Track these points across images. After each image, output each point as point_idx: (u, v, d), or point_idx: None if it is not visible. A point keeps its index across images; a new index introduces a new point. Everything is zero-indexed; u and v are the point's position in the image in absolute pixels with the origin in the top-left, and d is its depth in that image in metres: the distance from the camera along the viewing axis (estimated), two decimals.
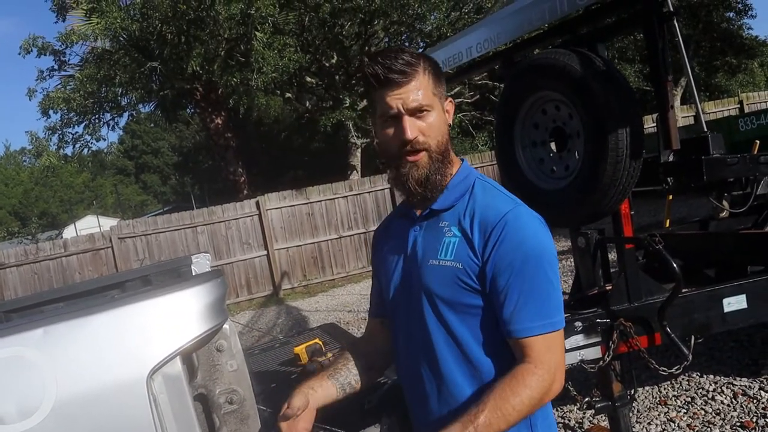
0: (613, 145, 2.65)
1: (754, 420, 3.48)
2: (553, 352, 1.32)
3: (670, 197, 5.92)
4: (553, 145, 3.13)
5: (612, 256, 3.32)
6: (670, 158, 3.02)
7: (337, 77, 15.64)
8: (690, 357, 2.85)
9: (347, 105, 14.78)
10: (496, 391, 1.28)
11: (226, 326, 1.47)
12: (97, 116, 15.80)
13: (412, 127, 1.38)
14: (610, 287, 3.06)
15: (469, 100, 17.56)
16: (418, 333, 1.45)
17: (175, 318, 1.31)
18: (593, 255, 3.12)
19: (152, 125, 40.65)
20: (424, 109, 1.39)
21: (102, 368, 1.25)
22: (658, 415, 3.79)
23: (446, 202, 1.44)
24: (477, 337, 1.38)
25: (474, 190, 1.43)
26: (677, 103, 16.31)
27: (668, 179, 3.08)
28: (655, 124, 3.19)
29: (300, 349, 2.18)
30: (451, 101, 1.48)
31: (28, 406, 1.22)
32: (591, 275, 3.13)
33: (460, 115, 16.91)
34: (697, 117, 3.99)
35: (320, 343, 2.20)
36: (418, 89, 1.38)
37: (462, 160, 1.53)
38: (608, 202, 2.80)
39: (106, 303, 1.30)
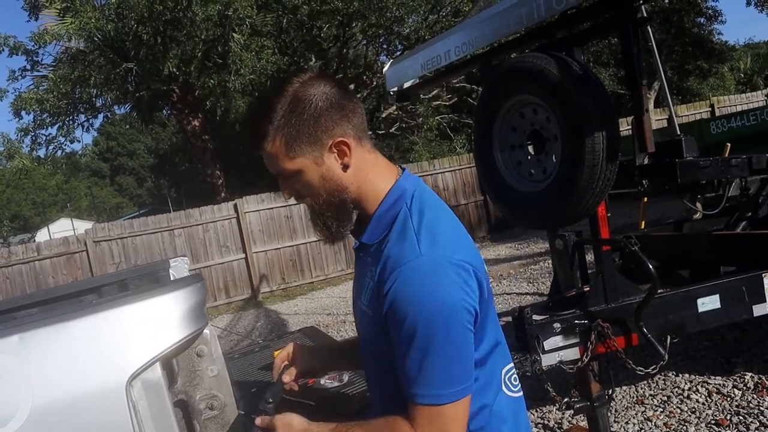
0: (590, 148, 2.68)
1: (728, 417, 3.55)
2: (435, 426, 1.13)
3: (645, 199, 6.00)
4: (531, 148, 3.15)
5: (589, 257, 3.36)
6: (646, 161, 3.07)
7: None
8: (666, 357, 2.89)
9: None
10: (368, 426, 1.21)
11: (206, 331, 1.46)
12: (71, 117, 15.60)
13: (284, 188, 1.30)
14: (588, 288, 3.10)
15: (447, 103, 17.68)
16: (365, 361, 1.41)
17: (154, 323, 1.30)
18: (571, 257, 3.15)
19: (128, 127, 40.21)
20: (284, 174, 1.27)
21: (80, 375, 1.24)
22: (636, 414, 3.84)
23: (372, 237, 1.27)
24: (396, 384, 1.21)
25: (393, 227, 1.24)
26: (651, 106, 16.57)
27: (643, 182, 3.12)
28: (630, 127, 3.23)
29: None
30: (341, 141, 1.24)
31: (3, 414, 1.20)
32: (569, 277, 3.16)
33: (438, 117, 16.98)
34: (670, 120, 4.06)
35: None
36: (271, 158, 1.25)
37: (402, 169, 1.35)
38: (585, 204, 2.83)
39: (83, 308, 1.28)
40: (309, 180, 1.26)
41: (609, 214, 3.13)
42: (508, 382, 1.29)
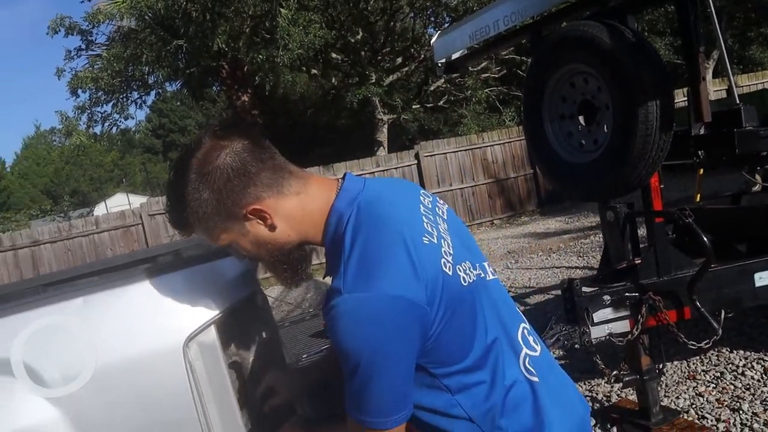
0: (642, 117, 2.61)
1: None
2: None
3: (701, 171, 5.82)
4: (581, 119, 3.09)
5: (641, 232, 3.30)
6: (702, 131, 2.98)
7: (362, 53, 15.57)
8: (720, 331, 2.83)
9: (373, 81, 14.73)
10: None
11: (258, 296, 1.51)
12: (124, 95, 15.96)
13: (236, 255, 1.30)
14: (639, 261, 3.04)
15: (496, 75, 17.39)
16: None
17: (209, 288, 1.35)
18: (622, 229, 3.09)
19: (179, 104, 40.96)
20: (221, 247, 1.27)
21: (140, 336, 1.30)
22: (687, 389, 3.78)
23: (329, 270, 1.23)
24: None
25: (342, 250, 1.18)
26: (709, 76, 15.93)
27: (699, 152, 3.03)
28: (686, 98, 3.13)
29: None
30: (255, 209, 1.18)
31: (70, 372, 1.27)
32: (620, 249, 3.10)
33: (487, 90, 16.74)
34: (729, 90, 3.89)
35: None
36: (201, 237, 1.26)
37: (341, 179, 1.28)
38: (637, 175, 2.77)
39: (142, 273, 1.33)
40: (245, 247, 1.24)
41: (662, 186, 3.06)
42: (523, 369, 1.25)
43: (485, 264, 1.34)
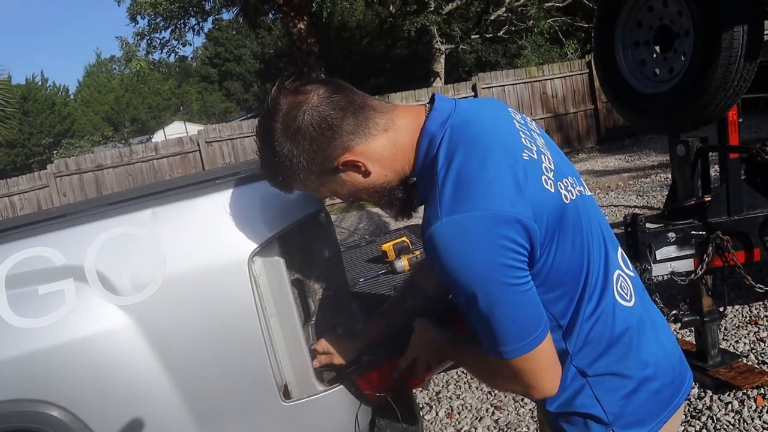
0: (726, 44, 2.44)
1: None
2: (516, 375, 1.10)
3: None
4: (657, 46, 2.92)
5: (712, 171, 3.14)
6: None
7: None
8: None
9: (432, 9, 14.29)
10: (477, 350, 1.15)
11: (321, 214, 1.50)
12: (182, 21, 16.02)
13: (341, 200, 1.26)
14: (709, 199, 2.91)
15: (561, 4, 16.61)
16: None
17: (274, 204, 1.34)
18: (693, 164, 2.95)
19: (234, 32, 40.85)
20: (324, 197, 1.28)
21: (206, 249, 1.31)
22: (748, 333, 3.68)
23: (421, 196, 1.18)
24: None
25: (435, 174, 1.11)
26: None
27: None
28: None
29: (387, 246, 2.21)
30: (346, 161, 1.14)
31: (140, 281, 1.30)
32: (689, 186, 2.97)
33: (549, 20, 16.05)
34: None
35: (407, 241, 2.22)
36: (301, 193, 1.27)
37: (429, 104, 1.20)
38: (715, 107, 2.62)
39: (209, 188, 1.34)
40: (347, 193, 1.21)
41: (740, 120, 2.89)
42: (620, 291, 1.20)
43: (581, 180, 1.27)
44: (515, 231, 1.03)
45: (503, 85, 13.16)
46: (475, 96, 12.82)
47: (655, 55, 2.93)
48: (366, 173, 1.16)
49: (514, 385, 1.13)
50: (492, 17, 16.47)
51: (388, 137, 1.16)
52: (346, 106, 1.13)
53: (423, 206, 1.15)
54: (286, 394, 1.38)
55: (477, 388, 3.43)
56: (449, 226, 1.02)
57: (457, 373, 3.58)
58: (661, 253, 2.80)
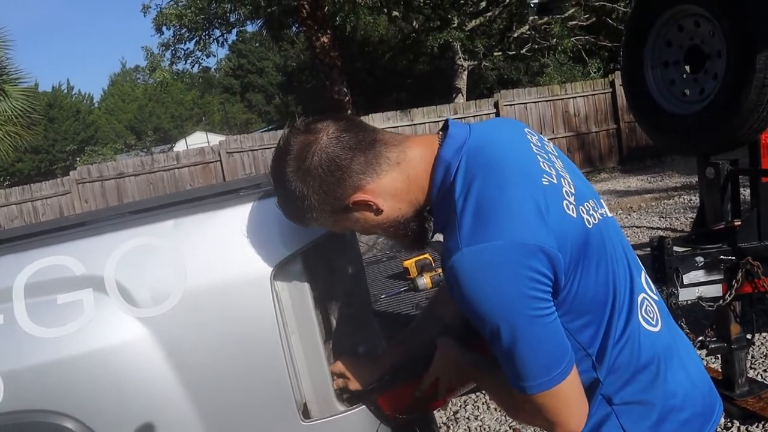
0: (761, 65, 2.39)
1: None
2: (540, 410, 1.06)
3: None
4: (687, 66, 2.87)
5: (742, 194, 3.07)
6: None
7: None
8: None
9: (455, 25, 14.30)
10: (500, 377, 1.11)
11: None
12: (207, 32, 16.20)
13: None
14: (739, 223, 2.84)
15: (584, 23, 16.54)
16: None
17: None
18: (722, 187, 2.89)
19: (257, 45, 41.28)
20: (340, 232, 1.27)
21: (228, 261, 1.29)
22: None
23: (438, 225, 1.16)
24: None
25: (452, 202, 1.08)
26: None
27: None
28: None
29: (409, 263, 2.18)
30: (357, 201, 1.12)
31: (160, 293, 1.28)
32: (718, 209, 2.91)
33: (573, 39, 15.99)
34: None
35: (430, 258, 2.19)
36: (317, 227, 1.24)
37: (442, 131, 1.17)
38: (747, 129, 2.56)
39: (233, 200, 1.31)
40: (361, 230, 1.21)
41: None
42: (645, 315, 1.16)
43: (602, 201, 1.23)
44: (539, 261, 1.00)
45: (525, 103, 13.11)
46: (497, 113, 12.78)
47: (685, 76, 2.88)
48: (378, 211, 1.14)
49: (537, 421, 1.09)
50: (515, 34, 16.45)
51: (401, 170, 1.14)
52: (356, 145, 1.11)
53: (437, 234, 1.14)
54: (306, 414, 1.34)
55: (496, 409, 3.36)
56: (470, 257, 1.00)
57: (475, 393, 3.52)
58: (688, 278, 2.73)
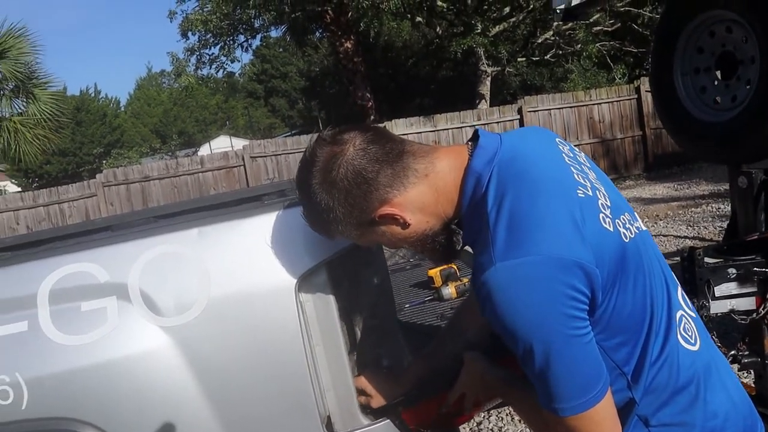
0: None
1: None
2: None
3: None
4: (718, 73, 2.81)
5: None
6: None
7: (469, 1, 15.07)
8: None
9: (479, 31, 14.27)
10: (530, 398, 1.09)
11: None
12: (231, 38, 16.37)
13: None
14: None
15: (609, 29, 16.39)
16: None
17: None
18: (756, 197, 2.81)
19: (281, 50, 41.58)
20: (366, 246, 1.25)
21: (253, 271, 1.27)
22: None
23: (467, 238, 1.13)
24: None
25: (484, 215, 1.04)
26: None
27: None
28: None
29: (434, 272, 2.15)
30: (383, 215, 1.10)
31: (184, 302, 1.26)
32: (751, 219, 2.83)
33: (597, 45, 15.85)
34: None
35: (455, 267, 2.15)
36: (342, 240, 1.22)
37: (472, 141, 1.14)
38: None
39: (258, 208, 1.30)
40: (387, 243, 1.19)
41: None
42: (684, 333, 1.11)
43: (636, 214, 1.19)
44: (576, 277, 0.96)
45: (549, 109, 13.03)
46: (521, 119, 12.70)
47: (716, 83, 2.82)
48: (405, 225, 1.11)
49: None
50: (539, 40, 16.36)
51: (429, 182, 1.11)
52: (383, 157, 1.08)
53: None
54: (329, 427, 1.32)
55: (520, 421, 3.31)
56: (505, 272, 0.96)
57: (501, 406, 3.48)
58: (720, 290, 2.66)
